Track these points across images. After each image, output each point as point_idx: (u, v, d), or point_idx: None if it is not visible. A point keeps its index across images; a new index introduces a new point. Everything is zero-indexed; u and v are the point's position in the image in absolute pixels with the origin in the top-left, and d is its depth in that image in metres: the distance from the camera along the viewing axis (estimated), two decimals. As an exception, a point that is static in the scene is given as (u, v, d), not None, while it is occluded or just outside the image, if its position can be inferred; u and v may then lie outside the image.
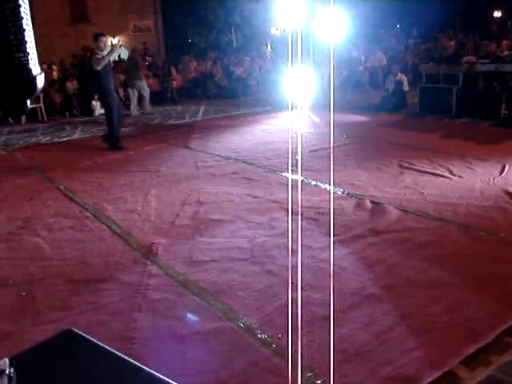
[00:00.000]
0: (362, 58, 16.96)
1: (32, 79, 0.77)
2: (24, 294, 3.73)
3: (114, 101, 8.73)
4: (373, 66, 16.14)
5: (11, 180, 7.08)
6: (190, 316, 3.55)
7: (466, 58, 11.60)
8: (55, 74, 15.10)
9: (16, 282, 3.94)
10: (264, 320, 3.23)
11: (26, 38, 0.76)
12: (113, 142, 8.85)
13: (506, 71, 10.06)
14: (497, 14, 27.17)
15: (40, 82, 0.85)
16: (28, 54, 0.77)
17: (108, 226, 5.05)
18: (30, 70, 0.76)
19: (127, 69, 13.71)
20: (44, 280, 3.96)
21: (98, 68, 8.30)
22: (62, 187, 6.51)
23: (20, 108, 0.79)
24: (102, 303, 3.55)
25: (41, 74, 0.87)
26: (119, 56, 15.26)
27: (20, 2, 0.72)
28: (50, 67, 14.75)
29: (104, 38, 8.66)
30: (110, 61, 8.68)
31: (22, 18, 0.74)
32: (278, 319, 3.19)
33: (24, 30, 0.75)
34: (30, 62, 0.77)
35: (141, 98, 13.53)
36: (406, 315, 3.20)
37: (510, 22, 24.55)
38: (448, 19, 22.05)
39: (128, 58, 14.46)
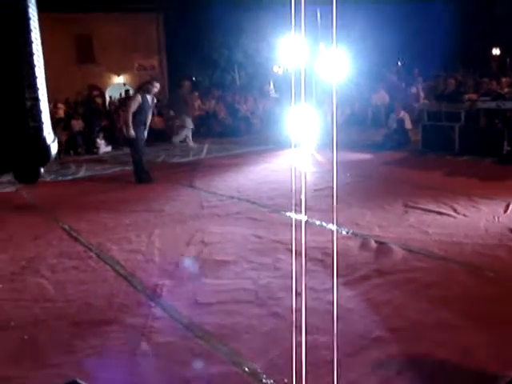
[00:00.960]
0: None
1: (46, 148, 0.79)
2: (26, 337, 3.69)
3: (138, 137, 9.05)
4: (376, 105, 16.32)
5: (16, 218, 7.09)
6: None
7: (467, 96, 11.71)
8: (61, 113, 15.26)
9: (19, 323, 3.91)
10: (270, 364, 3.19)
11: (41, 108, 0.78)
12: (138, 175, 9.28)
13: (507, 108, 10.16)
14: (495, 51, 27.62)
15: (54, 149, 0.87)
16: (43, 123, 0.79)
17: (112, 267, 5.03)
18: (44, 139, 0.78)
19: (175, 102, 14.28)
20: (47, 322, 3.92)
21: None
22: (66, 226, 6.51)
23: (33, 175, 0.80)
24: (106, 346, 3.51)
25: (54, 140, 0.89)
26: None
27: (37, 73, 0.74)
28: (55, 106, 14.93)
29: (157, 84, 9.34)
30: (147, 98, 9.05)
31: (38, 88, 0.76)
32: (284, 363, 3.14)
33: (40, 100, 0.78)
34: (45, 130, 0.78)
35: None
36: (414, 359, 3.16)
37: (508, 60, 24.91)
38: (448, 57, 22.36)
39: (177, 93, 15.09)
